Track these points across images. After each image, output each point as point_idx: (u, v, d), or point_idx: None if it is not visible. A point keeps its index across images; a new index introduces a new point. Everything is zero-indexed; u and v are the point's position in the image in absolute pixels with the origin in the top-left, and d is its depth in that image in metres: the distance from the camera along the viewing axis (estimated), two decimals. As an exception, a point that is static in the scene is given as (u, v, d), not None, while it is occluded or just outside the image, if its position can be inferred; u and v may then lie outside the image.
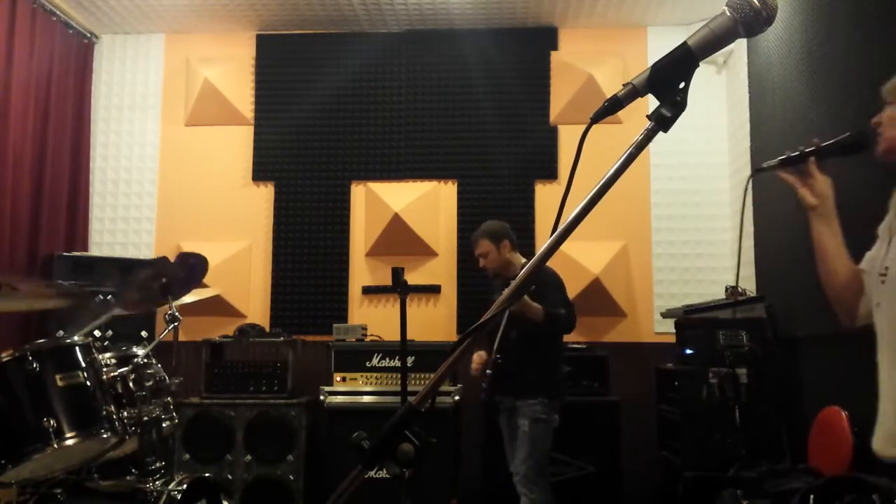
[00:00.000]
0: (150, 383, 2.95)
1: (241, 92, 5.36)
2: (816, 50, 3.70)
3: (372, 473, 1.14)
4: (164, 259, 3.37)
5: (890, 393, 1.70)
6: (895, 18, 2.92)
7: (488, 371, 3.51)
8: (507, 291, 1.15)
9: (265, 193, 5.33)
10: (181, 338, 3.52)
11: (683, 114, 1.11)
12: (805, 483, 2.87)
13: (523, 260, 3.84)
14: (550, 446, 3.64)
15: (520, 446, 3.59)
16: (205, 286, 3.79)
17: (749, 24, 1.10)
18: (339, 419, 4.35)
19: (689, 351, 4.25)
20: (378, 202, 5.18)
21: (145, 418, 2.91)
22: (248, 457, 4.38)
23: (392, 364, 4.41)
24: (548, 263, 1.12)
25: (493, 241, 3.79)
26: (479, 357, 3.69)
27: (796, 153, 1.83)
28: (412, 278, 4.82)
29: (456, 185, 5.26)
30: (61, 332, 3.99)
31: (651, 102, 1.09)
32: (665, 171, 5.17)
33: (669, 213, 5.17)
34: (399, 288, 3.51)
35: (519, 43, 5.28)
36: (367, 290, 5.18)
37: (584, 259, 4.93)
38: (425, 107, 5.30)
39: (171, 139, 5.39)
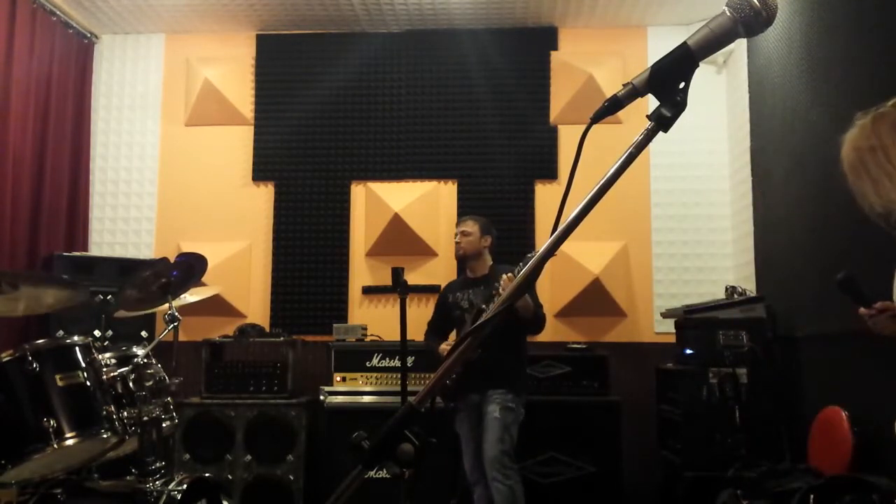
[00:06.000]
0: (150, 383, 2.95)
1: (241, 92, 5.36)
2: (816, 50, 3.70)
3: (372, 473, 1.14)
4: (163, 260, 3.37)
5: None
6: (895, 18, 2.92)
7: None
8: (508, 290, 1.16)
9: (265, 193, 5.33)
10: (181, 338, 3.52)
11: (683, 114, 1.11)
12: (805, 483, 2.87)
13: (491, 263, 3.95)
14: (517, 438, 3.70)
15: (490, 429, 3.63)
16: (203, 285, 3.78)
17: (749, 24, 1.10)
18: (339, 419, 4.35)
19: (689, 351, 4.25)
20: (378, 202, 5.18)
21: (145, 418, 2.91)
22: (248, 457, 4.38)
23: (392, 364, 4.41)
24: (548, 263, 1.13)
25: (481, 228, 3.95)
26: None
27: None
28: (412, 278, 4.82)
29: (456, 185, 5.26)
30: (61, 332, 4.00)
31: (651, 102, 1.09)
32: (665, 171, 5.17)
33: (669, 213, 5.17)
34: (399, 288, 3.51)
35: (519, 43, 5.28)
36: (367, 290, 5.18)
37: (584, 259, 4.93)
38: (425, 107, 5.30)
39: (171, 139, 5.38)
